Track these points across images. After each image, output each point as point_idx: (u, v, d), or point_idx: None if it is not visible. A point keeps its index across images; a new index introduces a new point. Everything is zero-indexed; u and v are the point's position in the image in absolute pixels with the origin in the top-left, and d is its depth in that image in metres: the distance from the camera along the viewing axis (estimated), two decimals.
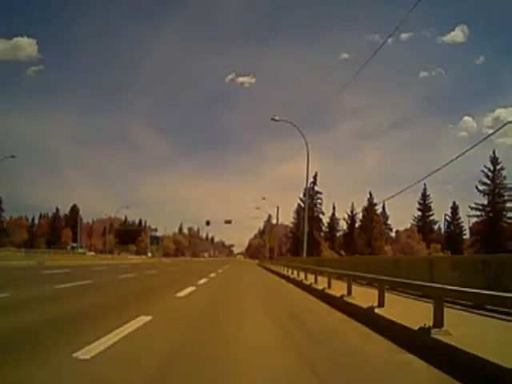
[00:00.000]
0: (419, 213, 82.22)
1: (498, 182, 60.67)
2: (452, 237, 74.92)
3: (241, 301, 10.63)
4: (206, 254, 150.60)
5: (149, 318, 6.50)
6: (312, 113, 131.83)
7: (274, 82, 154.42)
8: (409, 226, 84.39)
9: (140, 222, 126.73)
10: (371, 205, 77.88)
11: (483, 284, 7.53)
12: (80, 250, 63.43)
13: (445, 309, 5.21)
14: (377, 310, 7.01)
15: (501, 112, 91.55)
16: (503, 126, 55.44)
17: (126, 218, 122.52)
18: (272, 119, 31.40)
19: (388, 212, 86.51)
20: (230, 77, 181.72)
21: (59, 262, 33.68)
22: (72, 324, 6.10)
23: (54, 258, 42.96)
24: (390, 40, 49.01)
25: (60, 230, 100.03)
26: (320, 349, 5.03)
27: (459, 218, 76.61)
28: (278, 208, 62.57)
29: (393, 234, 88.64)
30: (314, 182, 76.65)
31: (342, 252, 73.46)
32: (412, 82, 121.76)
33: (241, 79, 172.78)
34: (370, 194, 78.35)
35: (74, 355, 4.09)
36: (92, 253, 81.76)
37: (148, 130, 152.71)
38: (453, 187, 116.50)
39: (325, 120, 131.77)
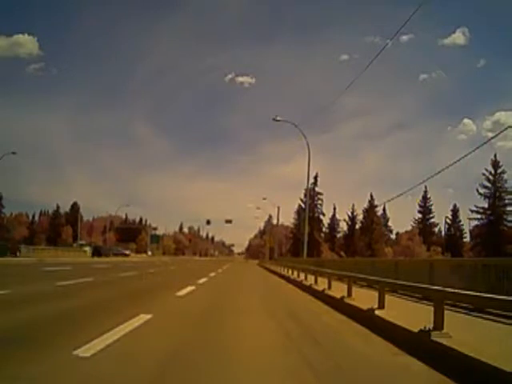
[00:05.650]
0: (420, 215, 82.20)
1: (499, 185, 60.65)
2: (452, 240, 74.78)
3: (240, 301, 10.63)
4: (216, 253, 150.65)
5: (149, 316, 6.51)
6: (312, 113, 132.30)
7: (274, 82, 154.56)
8: (409, 228, 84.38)
9: (140, 220, 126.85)
10: (372, 206, 77.82)
11: (484, 287, 7.53)
12: (86, 249, 63.65)
13: (445, 311, 5.20)
14: (377, 312, 7.01)
15: (500, 115, 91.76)
16: (504, 130, 55.54)
17: (126, 217, 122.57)
18: (274, 119, 31.42)
19: (388, 214, 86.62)
20: (229, 76, 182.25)
21: (60, 259, 33.77)
22: (72, 321, 6.11)
23: (57, 255, 42.96)
24: (390, 42, 48.92)
25: (60, 227, 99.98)
26: (320, 350, 5.02)
27: (460, 221, 76.56)
28: (278, 208, 62.60)
29: (393, 236, 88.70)
30: (315, 183, 76.64)
31: (342, 253, 73.37)
32: (412, 84, 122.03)
33: (240, 79, 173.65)
34: (371, 196, 78.39)
35: (74, 353, 4.09)
36: None
37: (149, 129, 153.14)
38: (453, 190, 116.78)
39: (325, 121, 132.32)
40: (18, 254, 34.45)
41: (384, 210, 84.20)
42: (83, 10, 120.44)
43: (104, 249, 54.07)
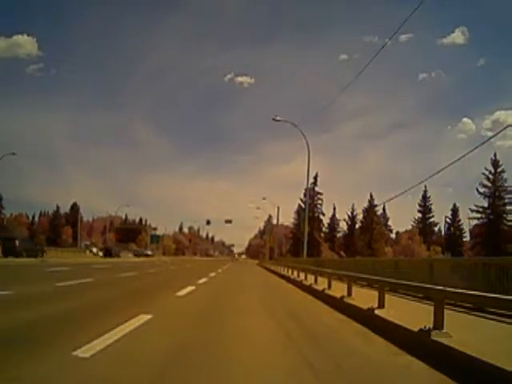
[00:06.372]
0: (420, 215, 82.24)
1: (499, 184, 60.68)
2: (452, 239, 74.85)
3: (240, 301, 10.63)
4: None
5: (149, 316, 6.51)
6: (312, 113, 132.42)
7: (274, 81, 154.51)
8: (409, 227, 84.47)
9: (140, 220, 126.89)
10: (372, 206, 77.85)
11: (484, 286, 7.53)
12: (94, 250, 64.34)
13: (445, 311, 5.20)
14: (377, 312, 7.01)
15: (500, 114, 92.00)
16: (503, 129, 55.58)
17: (126, 217, 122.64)
18: (274, 119, 31.44)
19: (388, 213, 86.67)
20: (228, 76, 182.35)
21: (61, 259, 33.79)
22: (72, 322, 6.10)
23: (62, 256, 43.04)
24: (389, 41, 48.90)
25: (60, 227, 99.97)
26: (320, 350, 5.02)
27: (459, 221, 76.62)
28: (278, 208, 62.51)
29: (393, 236, 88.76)
30: (315, 183, 76.66)
31: (342, 253, 73.40)
32: (412, 84, 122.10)
33: (239, 79, 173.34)
34: (371, 195, 78.42)
35: (74, 353, 4.09)
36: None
37: (148, 129, 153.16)
38: (453, 189, 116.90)
39: (325, 120, 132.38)
40: (43, 255, 35.43)
41: (384, 209, 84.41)
42: (83, 10, 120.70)
43: (114, 250, 58.00)
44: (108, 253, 53.82)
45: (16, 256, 29.31)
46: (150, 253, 78.50)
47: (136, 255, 68.00)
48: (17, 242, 31.78)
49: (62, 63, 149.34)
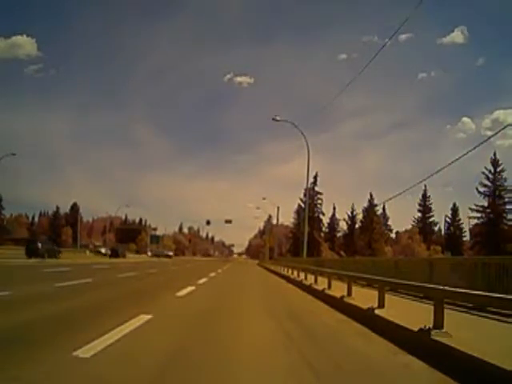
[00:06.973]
0: (419, 214, 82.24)
1: (499, 183, 60.67)
2: (452, 238, 74.83)
3: (240, 301, 10.63)
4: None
5: (149, 316, 6.51)
6: (312, 113, 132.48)
7: (273, 81, 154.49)
8: (409, 227, 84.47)
9: (140, 220, 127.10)
10: (371, 206, 77.86)
11: (484, 286, 7.53)
12: (102, 250, 64.36)
13: (445, 310, 5.21)
14: (377, 311, 7.01)
15: (499, 113, 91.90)
16: (503, 128, 55.52)
17: (126, 217, 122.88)
18: (273, 119, 31.44)
19: (388, 213, 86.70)
20: (228, 76, 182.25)
21: (61, 259, 33.79)
22: (72, 322, 6.10)
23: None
24: (389, 41, 48.86)
25: (60, 228, 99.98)
26: (320, 350, 5.02)
27: (459, 220, 76.62)
28: (278, 208, 62.57)
29: (393, 235, 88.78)
30: (315, 183, 76.65)
31: (342, 253, 73.42)
32: (411, 83, 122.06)
33: (239, 79, 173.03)
34: (371, 195, 78.44)
35: (74, 354, 4.09)
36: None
37: (148, 129, 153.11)
38: (453, 189, 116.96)
39: (324, 120, 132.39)
40: (60, 256, 36.84)
41: (384, 209, 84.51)
42: (83, 10, 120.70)
43: (120, 250, 59.23)
44: (114, 253, 54.89)
45: (38, 257, 31.43)
46: (170, 253, 79.08)
47: (156, 255, 70.39)
48: (39, 244, 34.28)
49: (62, 63, 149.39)
